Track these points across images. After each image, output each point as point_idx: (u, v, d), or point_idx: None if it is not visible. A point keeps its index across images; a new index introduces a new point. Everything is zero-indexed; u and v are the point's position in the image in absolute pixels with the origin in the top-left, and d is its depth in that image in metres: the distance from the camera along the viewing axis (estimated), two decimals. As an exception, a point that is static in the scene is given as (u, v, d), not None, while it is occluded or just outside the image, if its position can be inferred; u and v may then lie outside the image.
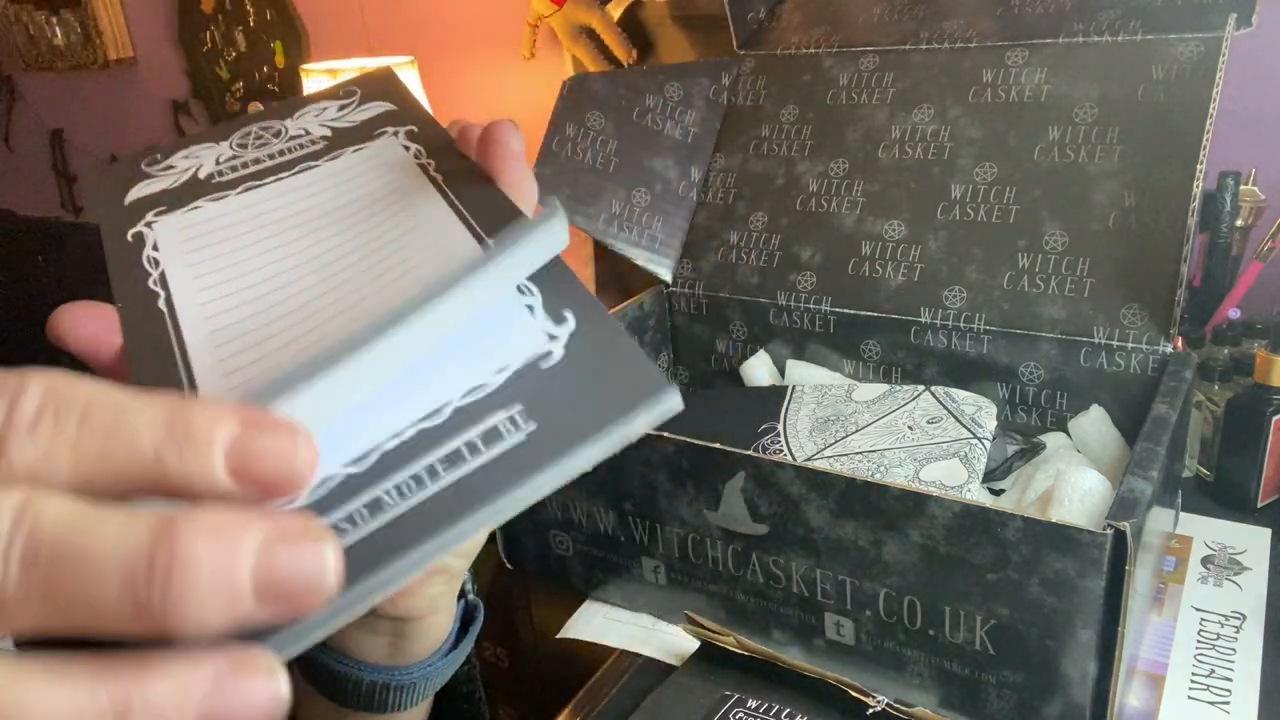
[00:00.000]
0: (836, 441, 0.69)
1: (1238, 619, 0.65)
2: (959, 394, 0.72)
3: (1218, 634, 0.64)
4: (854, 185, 0.82)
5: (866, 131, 0.83)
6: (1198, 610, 0.66)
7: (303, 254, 0.31)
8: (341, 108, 0.35)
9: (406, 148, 0.33)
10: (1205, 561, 0.71)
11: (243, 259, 0.31)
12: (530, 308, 0.26)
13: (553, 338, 0.25)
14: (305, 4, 1.66)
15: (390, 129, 0.34)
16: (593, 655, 0.66)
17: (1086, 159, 0.74)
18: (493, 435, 0.23)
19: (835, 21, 0.89)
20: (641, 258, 0.88)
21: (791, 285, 0.82)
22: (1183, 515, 0.76)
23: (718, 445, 0.59)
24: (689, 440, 0.60)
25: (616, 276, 1.34)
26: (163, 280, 0.31)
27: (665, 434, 0.61)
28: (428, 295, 0.24)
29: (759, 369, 0.85)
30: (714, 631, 0.62)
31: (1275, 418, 0.74)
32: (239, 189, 0.33)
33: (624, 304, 0.86)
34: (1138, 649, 0.59)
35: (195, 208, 0.33)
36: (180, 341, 0.29)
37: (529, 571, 0.74)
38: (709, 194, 0.90)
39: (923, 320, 0.76)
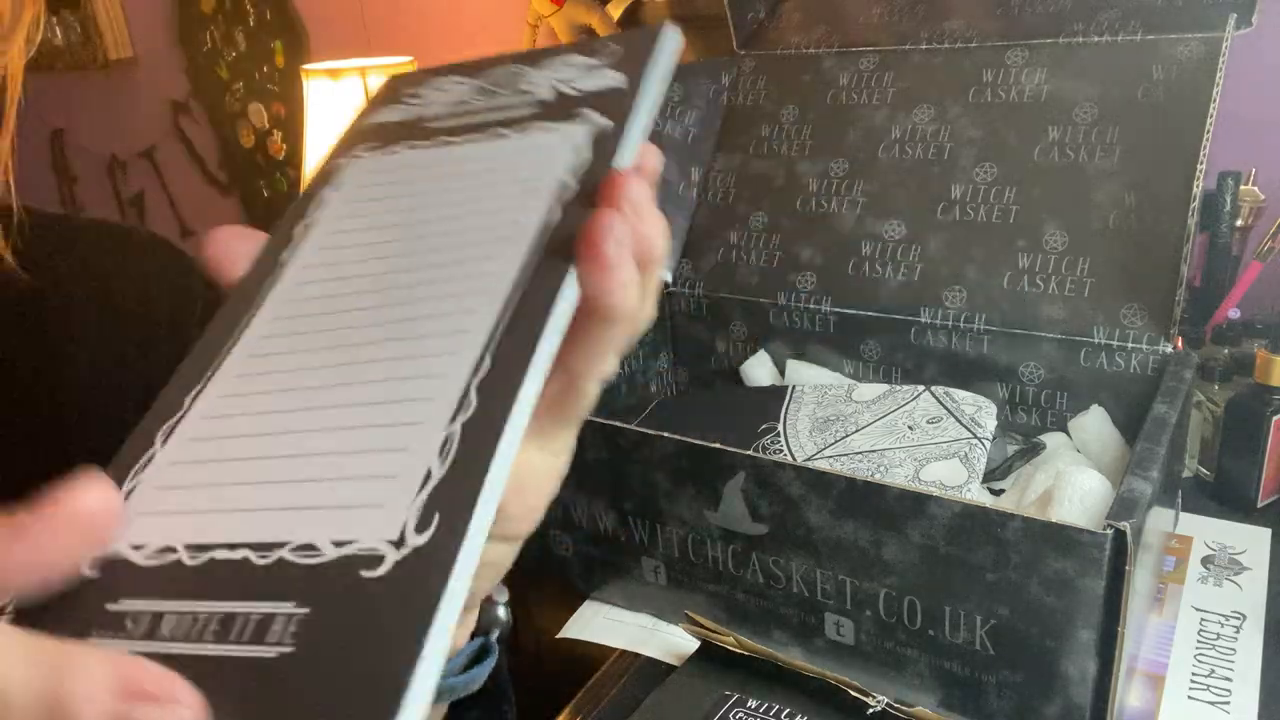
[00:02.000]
0: (836, 441, 0.69)
1: (1238, 619, 0.65)
2: (959, 394, 0.72)
3: (1218, 634, 0.64)
4: (854, 185, 0.82)
5: (866, 131, 0.83)
6: (1198, 610, 0.66)
7: (388, 247, 0.29)
8: (588, 68, 0.32)
9: (574, 156, 0.29)
10: (1205, 561, 0.71)
11: (357, 229, 0.30)
12: (425, 478, 0.22)
13: (398, 545, 0.21)
14: (305, 4, 1.66)
15: (593, 116, 0.30)
16: (593, 655, 0.66)
17: (1086, 159, 0.74)
18: (264, 627, 0.20)
19: (835, 21, 0.89)
20: (641, 258, 0.88)
21: (791, 285, 0.82)
22: (1183, 515, 0.76)
23: (718, 445, 0.59)
24: (689, 440, 0.60)
25: (616, 276, 1.34)
26: (307, 226, 0.31)
27: (665, 434, 0.61)
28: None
29: (759, 369, 0.85)
30: (714, 631, 0.62)
31: (1275, 418, 0.74)
32: (432, 141, 0.32)
33: (624, 304, 0.86)
34: (1138, 649, 0.59)
35: (393, 152, 0.32)
36: (259, 301, 0.28)
37: (529, 571, 0.74)
38: (709, 194, 0.90)
39: (923, 320, 0.76)
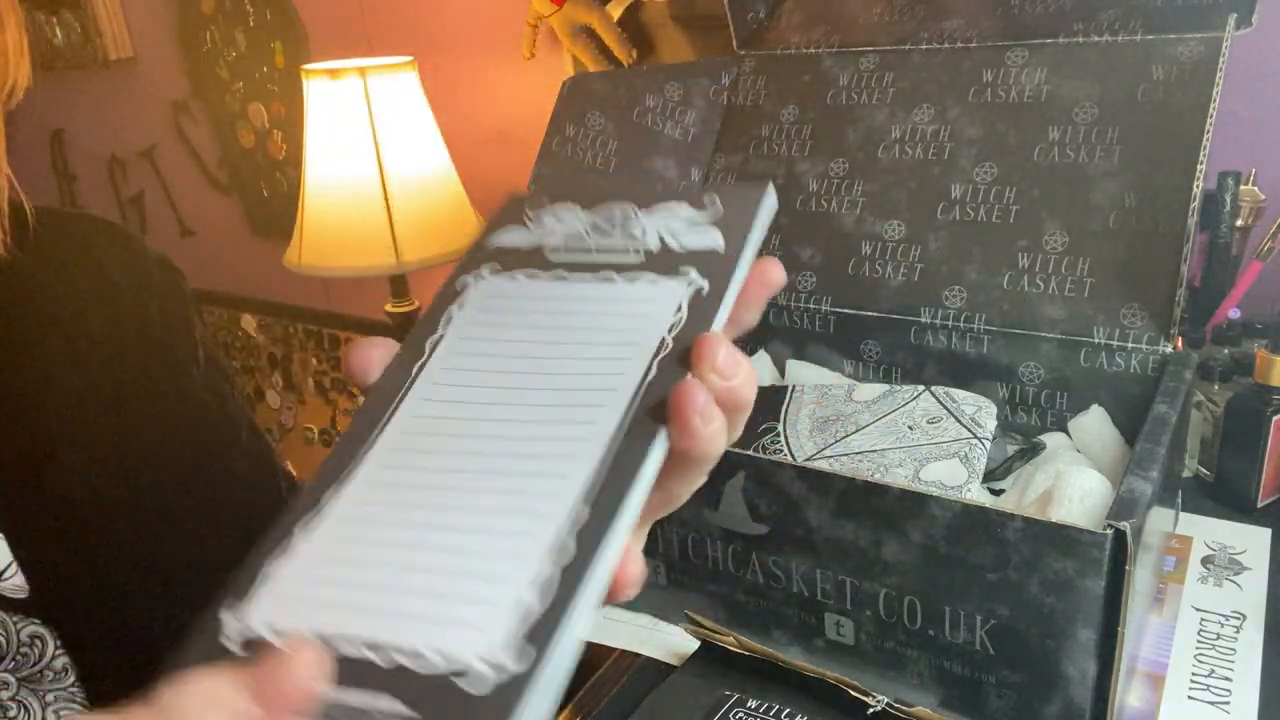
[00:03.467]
0: (836, 441, 0.69)
1: (1238, 619, 0.65)
2: (959, 394, 0.72)
3: (1218, 634, 0.64)
4: (854, 185, 0.82)
5: (866, 131, 0.83)
6: (1198, 610, 0.66)
7: (506, 377, 0.32)
8: (692, 223, 0.34)
9: (674, 314, 0.31)
10: (1205, 561, 0.71)
11: (479, 353, 0.33)
12: (527, 611, 0.24)
13: (498, 667, 0.23)
14: (305, 4, 1.66)
15: (695, 276, 0.32)
16: (593, 655, 0.66)
17: (1086, 159, 0.74)
18: None
19: (835, 21, 0.89)
20: (641, 258, 0.88)
21: (791, 285, 0.82)
22: (1183, 515, 0.76)
23: (718, 445, 0.59)
24: (689, 440, 0.60)
25: (616, 276, 1.34)
26: (436, 341, 0.33)
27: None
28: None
29: (759, 369, 0.85)
30: (714, 631, 0.62)
31: (1275, 418, 0.74)
32: (550, 273, 0.34)
33: (624, 304, 0.86)
34: (1138, 649, 0.59)
35: (514, 278, 0.35)
36: (392, 411, 0.31)
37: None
38: (709, 194, 0.89)
39: (923, 320, 0.76)
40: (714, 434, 0.29)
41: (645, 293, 0.32)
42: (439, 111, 1.32)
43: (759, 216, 0.33)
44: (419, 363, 0.32)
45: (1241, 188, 0.84)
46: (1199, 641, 0.63)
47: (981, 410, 0.70)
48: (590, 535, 0.26)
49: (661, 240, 0.34)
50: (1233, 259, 0.85)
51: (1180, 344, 0.68)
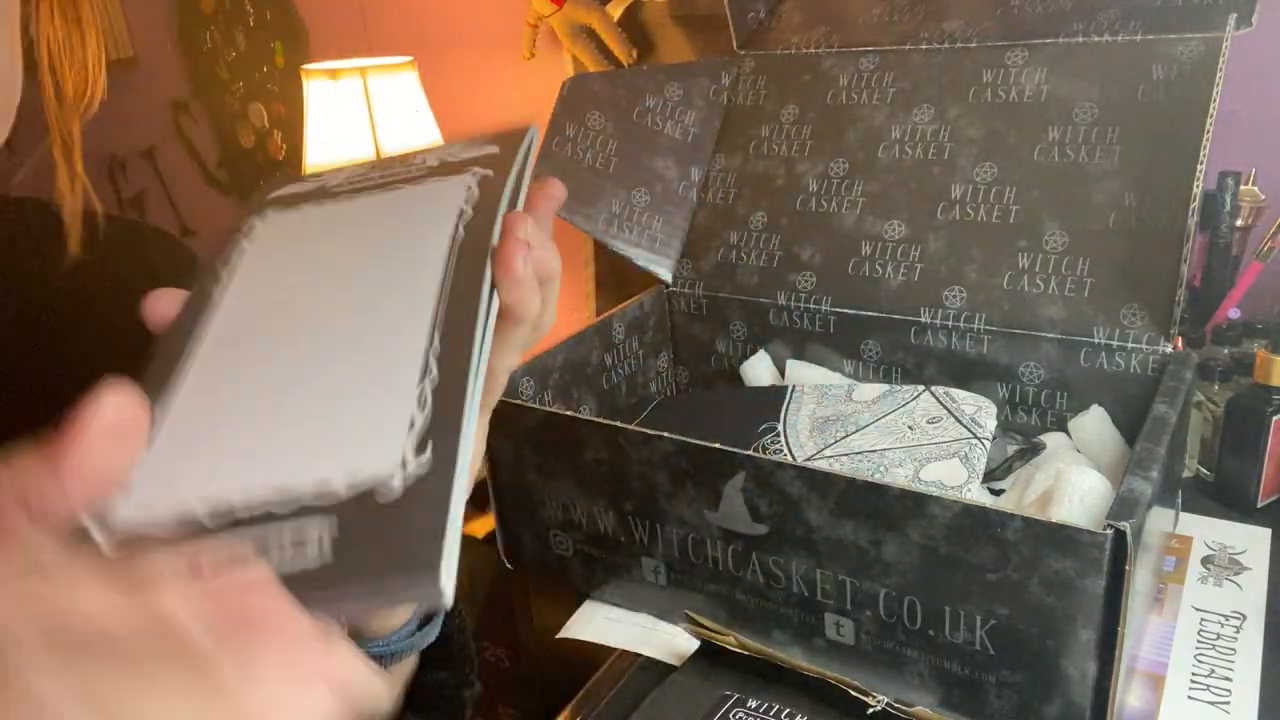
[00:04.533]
0: (836, 441, 0.69)
1: (1238, 619, 0.65)
2: (959, 394, 0.72)
3: (1218, 634, 0.64)
4: (854, 185, 0.82)
5: (866, 131, 0.83)
6: (1198, 610, 0.66)
7: (320, 273, 0.33)
8: (467, 145, 0.38)
9: (467, 192, 0.34)
10: (1205, 561, 0.71)
11: (285, 262, 0.34)
12: (412, 422, 0.26)
13: (403, 466, 0.25)
14: (305, 4, 1.66)
15: (476, 169, 0.36)
16: (593, 655, 0.66)
17: (1086, 159, 0.74)
18: (300, 547, 0.24)
19: (835, 21, 0.89)
20: (641, 258, 0.88)
21: (791, 285, 0.82)
22: (1183, 515, 0.76)
23: (718, 445, 0.59)
24: (689, 440, 0.60)
25: (616, 276, 1.34)
26: (231, 266, 0.34)
27: (665, 434, 0.61)
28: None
29: (759, 369, 0.85)
30: (714, 631, 0.62)
31: (1275, 418, 0.74)
32: (336, 199, 0.37)
33: (624, 304, 0.86)
34: (1138, 649, 0.59)
35: (298, 209, 0.37)
36: (204, 323, 0.32)
37: (529, 571, 0.74)
38: (709, 194, 0.90)
39: (923, 320, 0.76)
40: (532, 286, 0.33)
41: (434, 186, 0.35)
42: (439, 111, 1.32)
43: (526, 138, 0.37)
44: (218, 286, 0.34)
45: (1241, 188, 0.84)
46: (1199, 641, 0.63)
47: (981, 410, 0.70)
48: (449, 353, 0.28)
49: (441, 159, 0.37)
50: (1233, 259, 0.85)
51: (1180, 344, 0.68)
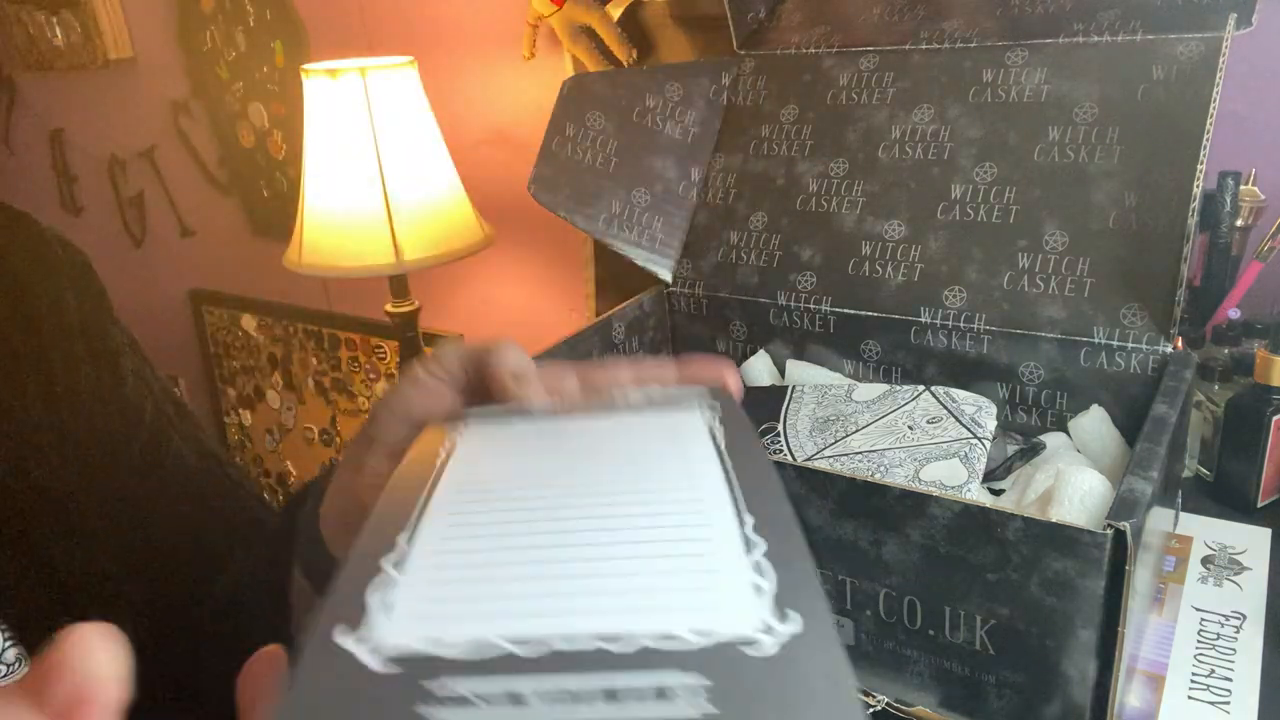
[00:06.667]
0: (836, 441, 0.69)
1: (1238, 619, 0.65)
2: (959, 394, 0.72)
3: (1218, 634, 0.64)
4: (854, 185, 0.82)
5: (866, 131, 0.83)
6: (1198, 610, 0.66)
7: (559, 476, 0.30)
8: (663, 390, 0.36)
9: (711, 411, 0.33)
10: (1205, 561, 0.71)
11: (508, 467, 0.31)
12: (758, 588, 0.23)
13: (769, 630, 0.22)
14: (305, 4, 1.66)
15: (701, 400, 0.34)
16: None
17: (1086, 159, 0.74)
18: (665, 695, 0.20)
19: (835, 21, 0.89)
20: (641, 258, 0.88)
21: (791, 285, 0.82)
22: (1183, 515, 0.76)
23: (718, 445, 0.59)
24: (689, 440, 0.60)
25: (616, 276, 1.34)
26: (437, 476, 0.30)
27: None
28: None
29: (759, 369, 0.85)
30: (714, 631, 0.62)
31: (1275, 418, 0.74)
32: (546, 418, 0.35)
33: (624, 304, 0.86)
34: (1138, 649, 0.59)
35: (506, 423, 0.34)
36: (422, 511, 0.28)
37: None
38: (709, 194, 0.90)
39: (923, 320, 0.76)
40: None
41: (661, 414, 0.34)
42: (439, 111, 1.32)
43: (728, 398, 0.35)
44: (424, 493, 0.29)
45: (1241, 188, 0.84)
46: (1199, 641, 0.63)
47: (981, 410, 0.70)
48: (770, 528, 0.25)
49: (647, 397, 0.35)
50: (1233, 259, 0.85)
51: (1180, 344, 0.68)
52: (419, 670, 0.20)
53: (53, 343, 0.50)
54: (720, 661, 0.20)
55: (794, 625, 0.21)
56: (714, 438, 0.31)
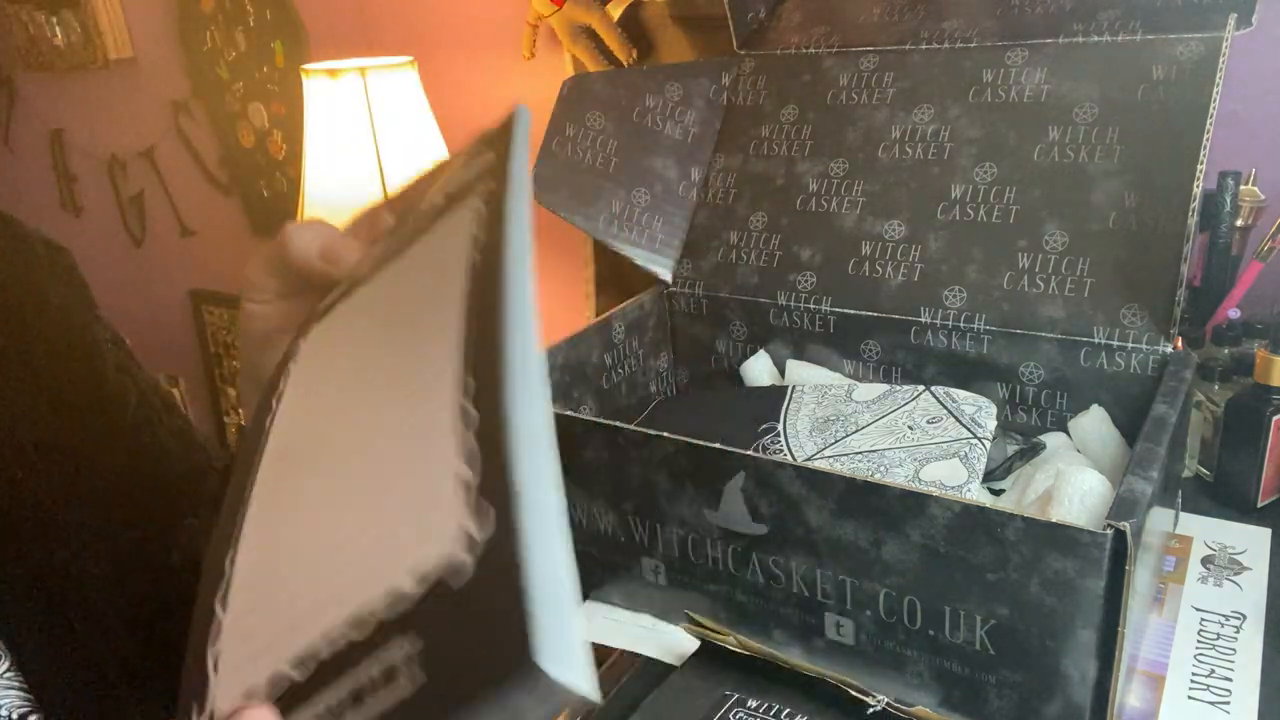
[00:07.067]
0: (836, 441, 0.69)
1: (1238, 619, 0.65)
2: (959, 394, 0.72)
3: (1218, 634, 0.64)
4: (854, 185, 0.82)
5: (866, 131, 0.83)
6: (1198, 610, 0.66)
7: (344, 390, 0.31)
8: (467, 160, 0.34)
9: (477, 213, 0.30)
10: (1205, 561, 0.71)
11: (316, 388, 0.33)
12: (465, 483, 0.21)
13: (470, 541, 0.20)
14: (305, 4, 1.66)
15: (479, 189, 0.31)
16: (593, 655, 0.66)
17: (1086, 159, 0.74)
18: (390, 677, 0.20)
19: (835, 21, 0.89)
20: (641, 258, 0.88)
21: (791, 285, 0.82)
22: (1183, 515, 0.76)
23: (718, 445, 0.59)
24: (689, 440, 0.60)
25: (616, 276, 1.34)
26: (279, 397, 0.33)
27: (665, 434, 0.61)
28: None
29: (759, 369, 0.85)
30: (714, 631, 0.62)
31: (1275, 418, 0.74)
32: (366, 283, 0.34)
33: (624, 304, 0.86)
34: (1138, 649, 0.59)
35: (332, 314, 0.34)
36: (252, 480, 0.31)
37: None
38: (709, 194, 0.90)
39: (923, 320, 0.76)
40: None
41: (443, 226, 0.32)
42: (439, 111, 1.32)
43: (516, 129, 0.32)
44: (270, 418, 0.33)
45: (1241, 188, 0.84)
46: (1199, 641, 0.63)
47: (981, 410, 0.70)
48: (485, 392, 0.23)
49: (445, 193, 0.33)
50: (1233, 259, 0.85)
51: (1180, 344, 0.68)
52: None
53: (36, 338, 0.51)
54: (432, 611, 0.20)
55: (488, 527, 0.20)
56: (471, 257, 0.28)
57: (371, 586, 0.22)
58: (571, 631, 0.19)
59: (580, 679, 0.18)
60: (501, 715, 0.18)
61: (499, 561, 0.20)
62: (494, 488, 0.21)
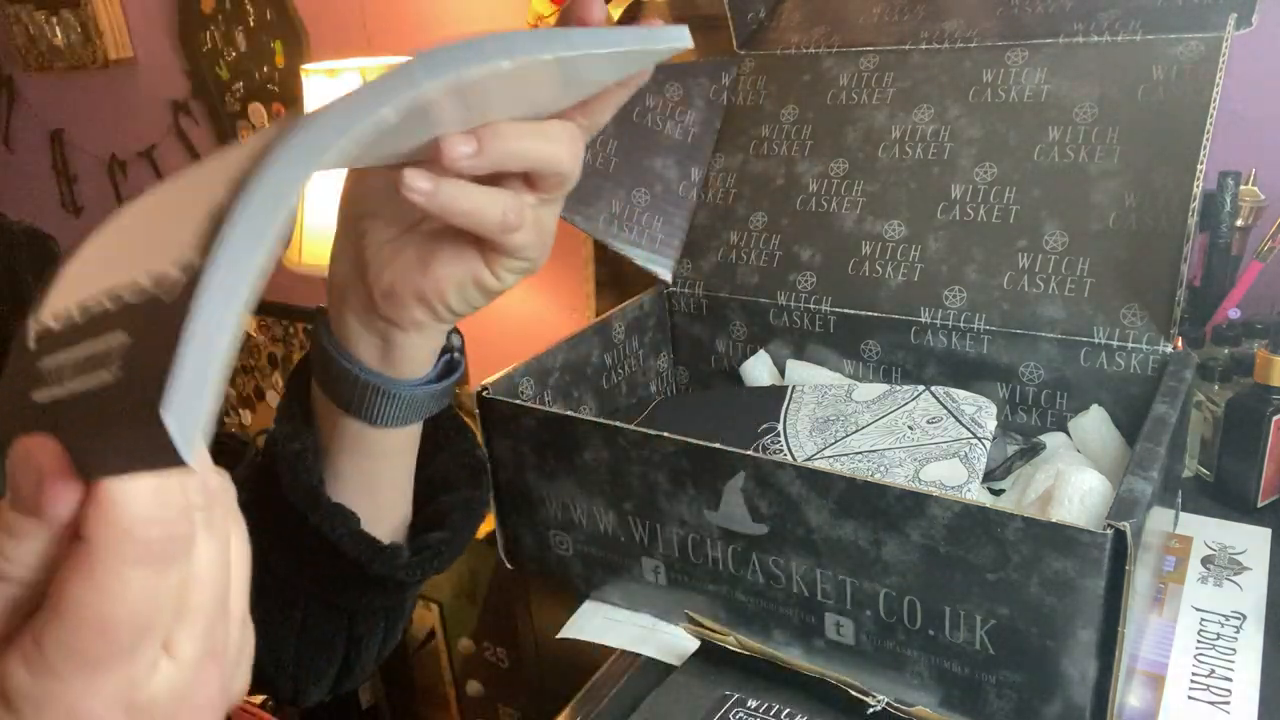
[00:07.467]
0: (836, 441, 0.69)
1: (1238, 619, 0.65)
2: (959, 394, 0.72)
3: (1218, 634, 0.64)
4: (854, 185, 0.82)
5: (866, 131, 0.83)
6: (1198, 610, 0.66)
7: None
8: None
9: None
10: (1205, 561, 0.71)
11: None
12: (217, 211, 0.23)
13: (187, 269, 0.22)
14: (305, 4, 1.66)
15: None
16: (593, 655, 0.66)
17: (1086, 159, 0.74)
18: (95, 362, 0.23)
19: (835, 21, 0.89)
20: (641, 258, 0.88)
21: (791, 285, 0.82)
22: (1183, 515, 0.76)
23: (718, 445, 0.59)
24: (689, 440, 0.60)
25: (616, 276, 1.34)
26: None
27: (665, 434, 0.61)
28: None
29: (759, 369, 0.85)
30: (714, 631, 0.62)
31: (1275, 418, 0.74)
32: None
33: (624, 304, 0.86)
34: (1138, 649, 0.59)
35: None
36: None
37: (529, 571, 0.74)
38: (709, 194, 0.90)
39: (923, 320, 0.76)
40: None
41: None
42: (439, 111, 1.32)
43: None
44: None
45: (1241, 188, 0.84)
46: (1199, 641, 0.63)
47: (981, 410, 0.70)
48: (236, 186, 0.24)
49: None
50: (1233, 259, 0.85)
51: (1180, 344, 0.68)
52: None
53: (13, 319, 0.52)
54: (143, 311, 0.23)
55: (198, 255, 0.22)
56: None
57: (117, 274, 0.24)
58: (200, 402, 0.21)
59: (186, 447, 0.21)
60: (145, 444, 0.21)
61: (182, 304, 0.22)
62: (208, 247, 0.23)
